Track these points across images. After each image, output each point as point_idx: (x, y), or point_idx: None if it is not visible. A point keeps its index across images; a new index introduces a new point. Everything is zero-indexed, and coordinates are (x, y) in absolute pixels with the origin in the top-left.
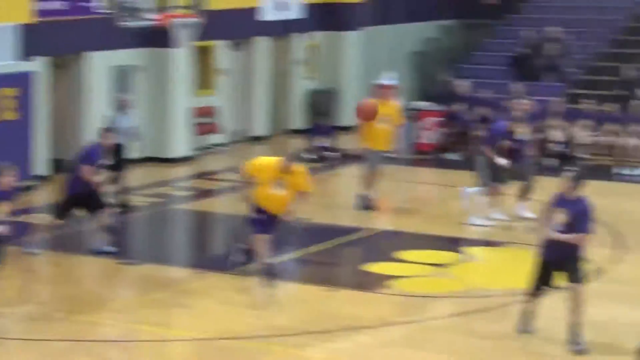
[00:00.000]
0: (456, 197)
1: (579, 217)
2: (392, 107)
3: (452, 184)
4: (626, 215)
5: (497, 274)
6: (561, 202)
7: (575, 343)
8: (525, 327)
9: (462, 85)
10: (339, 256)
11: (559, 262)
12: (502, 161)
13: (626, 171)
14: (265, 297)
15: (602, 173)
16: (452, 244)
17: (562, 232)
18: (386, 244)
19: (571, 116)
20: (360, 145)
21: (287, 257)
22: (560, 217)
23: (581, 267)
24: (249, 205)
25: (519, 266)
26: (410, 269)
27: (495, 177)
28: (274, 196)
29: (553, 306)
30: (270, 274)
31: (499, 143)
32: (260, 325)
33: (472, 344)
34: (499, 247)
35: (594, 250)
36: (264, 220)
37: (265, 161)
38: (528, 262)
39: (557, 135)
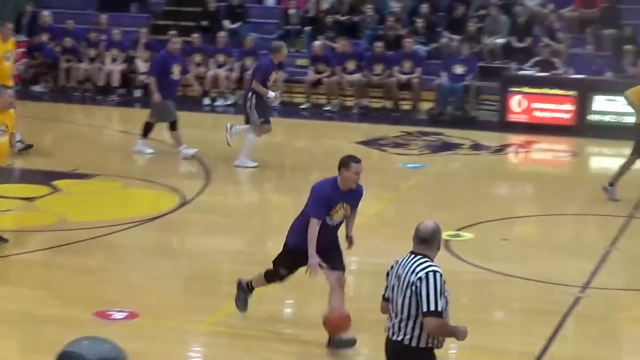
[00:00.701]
0: (47, 129)
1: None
2: (12, 43)
3: (39, 117)
4: (215, 146)
5: (86, 206)
6: (339, 196)
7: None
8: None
9: (46, 16)
10: None
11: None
12: (271, 94)
13: (219, 102)
14: None
15: (192, 104)
16: (42, 177)
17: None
18: None
19: (157, 47)
20: None
21: None
22: (341, 213)
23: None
24: None
25: (107, 198)
26: (0, 203)
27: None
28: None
29: None
30: None
31: (267, 78)
32: None
33: (65, 278)
34: (87, 179)
35: (185, 182)
36: None
37: None
38: (117, 193)
39: (142, 66)
